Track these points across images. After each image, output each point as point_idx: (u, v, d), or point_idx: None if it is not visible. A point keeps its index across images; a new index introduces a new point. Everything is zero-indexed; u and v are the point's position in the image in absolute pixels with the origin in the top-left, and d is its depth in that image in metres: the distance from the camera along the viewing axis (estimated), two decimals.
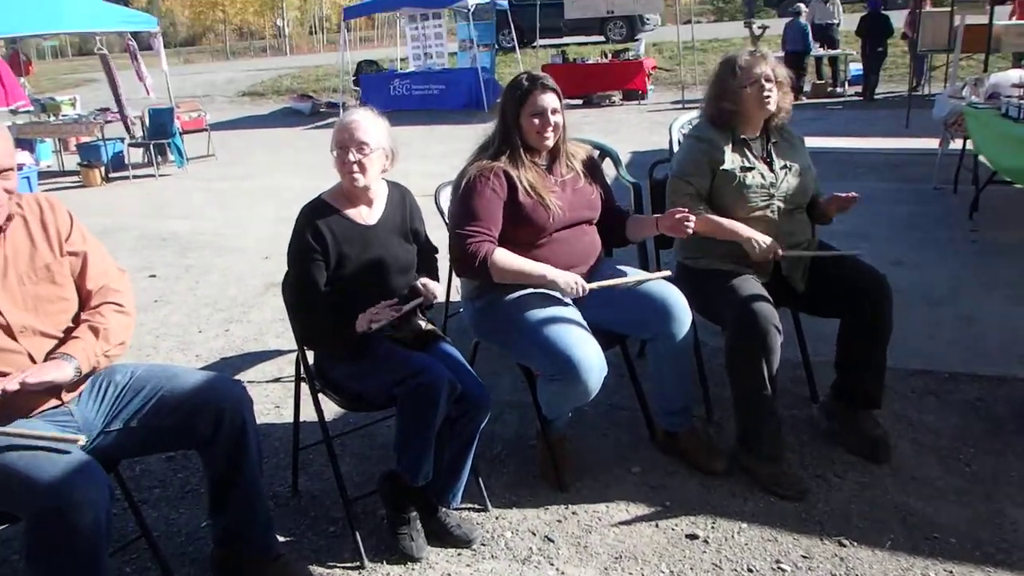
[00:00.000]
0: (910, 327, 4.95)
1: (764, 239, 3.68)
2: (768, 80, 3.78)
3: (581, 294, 3.44)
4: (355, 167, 3.30)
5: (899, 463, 3.80)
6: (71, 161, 15.21)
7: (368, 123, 3.35)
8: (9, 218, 2.76)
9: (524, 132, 3.65)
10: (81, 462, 2.53)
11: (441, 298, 3.52)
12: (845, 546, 3.28)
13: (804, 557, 3.24)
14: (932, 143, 9.89)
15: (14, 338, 2.69)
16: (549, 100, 3.62)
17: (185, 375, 3.02)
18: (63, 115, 15.15)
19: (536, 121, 3.61)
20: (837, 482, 3.69)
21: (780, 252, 3.71)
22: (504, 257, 3.47)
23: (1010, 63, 15.52)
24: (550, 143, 3.68)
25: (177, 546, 3.55)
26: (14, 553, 3.56)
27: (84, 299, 2.94)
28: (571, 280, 3.44)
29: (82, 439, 2.61)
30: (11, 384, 2.49)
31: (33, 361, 2.71)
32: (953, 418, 4.18)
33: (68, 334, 2.83)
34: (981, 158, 8.05)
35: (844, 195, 3.82)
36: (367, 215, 3.46)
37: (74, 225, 2.96)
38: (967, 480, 3.66)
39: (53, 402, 2.78)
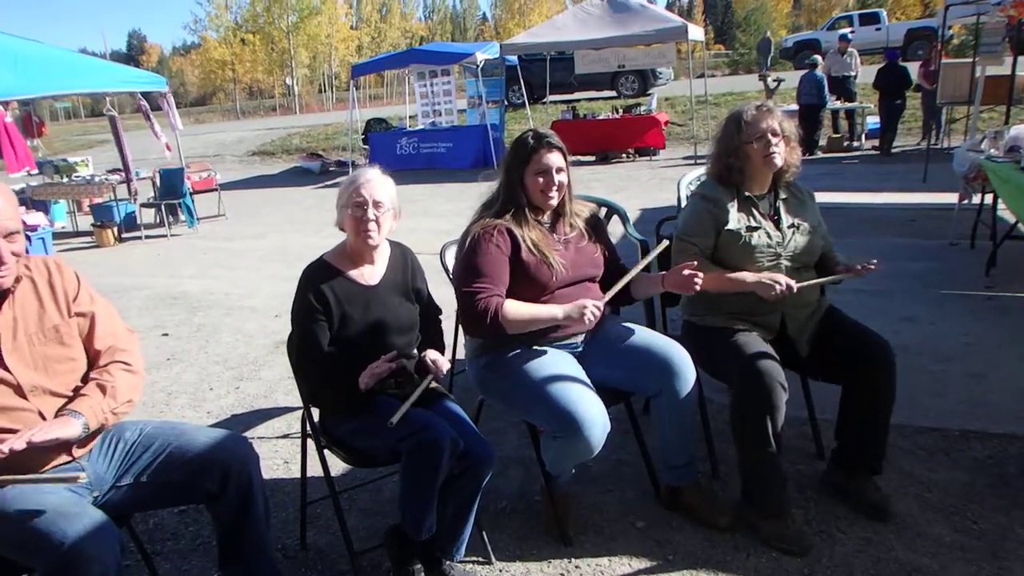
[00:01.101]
0: (920, 384, 4.94)
1: (775, 277, 3.64)
2: (775, 135, 3.77)
3: (597, 316, 3.39)
4: (372, 225, 3.37)
5: (905, 520, 3.78)
6: (84, 222, 15.42)
7: (381, 181, 3.44)
8: (17, 280, 2.83)
9: (528, 191, 3.69)
10: (92, 517, 2.61)
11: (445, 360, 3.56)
12: None
13: None
14: (949, 197, 9.76)
15: (24, 397, 2.76)
16: (554, 159, 3.66)
17: (193, 432, 3.09)
18: (76, 176, 15.33)
19: (541, 180, 3.65)
20: (841, 537, 3.68)
21: (795, 286, 3.63)
22: (513, 307, 3.50)
23: None
24: (554, 202, 3.72)
25: None
26: None
27: (92, 359, 3.01)
28: (582, 307, 3.39)
29: (83, 476, 2.66)
30: (17, 444, 2.55)
31: (43, 419, 2.77)
32: (961, 476, 4.15)
33: (77, 393, 2.89)
34: (1000, 212, 7.91)
35: (861, 267, 3.76)
36: (369, 275, 3.52)
37: (81, 286, 3.04)
38: (973, 537, 3.64)
39: (64, 457, 2.85)
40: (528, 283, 3.61)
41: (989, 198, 8.07)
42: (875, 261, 3.76)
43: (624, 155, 20.04)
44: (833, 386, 3.96)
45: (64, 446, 2.81)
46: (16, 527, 2.57)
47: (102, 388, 2.90)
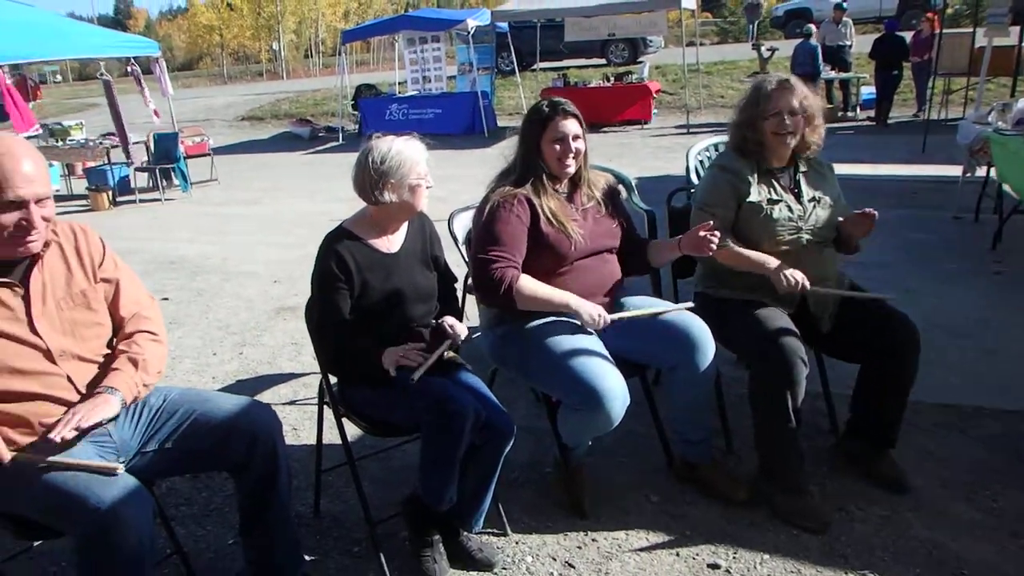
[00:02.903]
0: (932, 360, 4.84)
1: (794, 274, 3.63)
2: (792, 114, 3.72)
3: (603, 326, 3.47)
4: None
5: (923, 497, 3.77)
6: (78, 185, 15.40)
7: (423, 149, 3.49)
8: (46, 245, 2.82)
9: (545, 159, 3.66)
10: (126, 483, 2.63)
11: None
12: None
13: None
14: (950, 170, 9.72)
15: (54, 362, 2.75)
16: (571, 126, 3.64)
17: (217, 399, 3.09)
18: (70, 140, 15.28)
19: (557, 147, 3.63)
20: (860, 515, 3.67)
21: (808, 286, 3.64)
22: (529, 284, 3.49)
23: None
24: (571, 170, 3.69)
25: (206, 563, 3.61)
26: (52, 565, 3.64)
27: (117, 325, 3.01)
28: (594, 312, 3.45)
29: (120, 468, 2.68)
30: (67, 432, 2.57)
31: (72, 383, 2.77)
32: (977, 453, 4.14)
33: (105, 359, 2.90)
34: (1006, 187, 7.85)
35: (859, 211, 3.72)
36: (390, 243, 3.49)
37: (106, 252, 3.04)
38: (993, 516, 3.63)
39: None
40: (547, 253, 3.59)
41: (995, 171, 8.00)
42: (869, 209, 3.73)
43: (615, 124, 19.93)
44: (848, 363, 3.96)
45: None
46: (50, 492, 2.58)
47: (133, 361, 2.89)
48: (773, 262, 3.69)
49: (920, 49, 16.73)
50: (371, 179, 3.34)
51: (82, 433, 2.65)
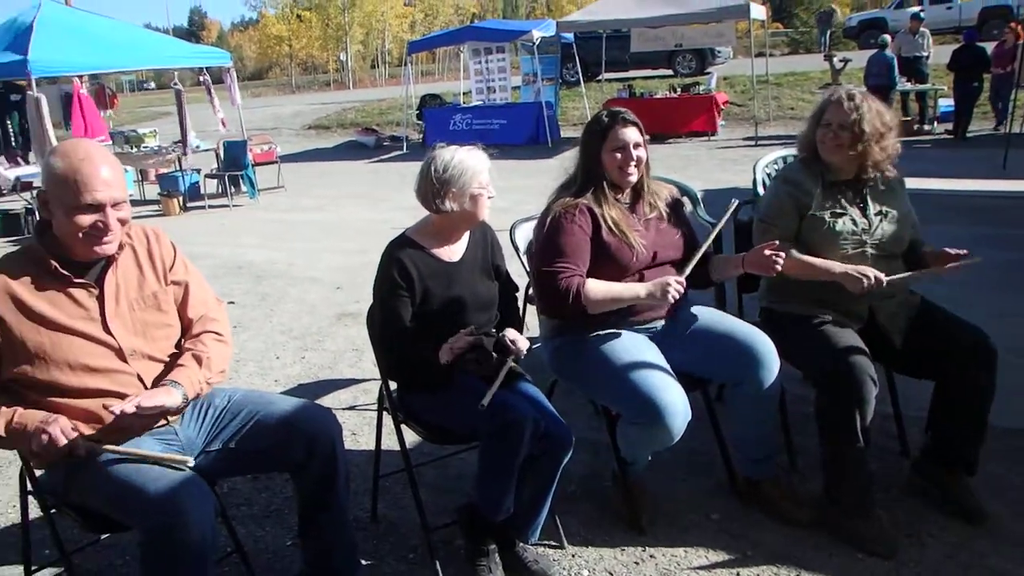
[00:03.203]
0: (1013, 384, 4.58)
1: (865, 270, 3.52)
2: (843, 128, 3.63)
3: (680, 292, 3.34)
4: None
5: (996, 525, 3.62)
6: (151, 191, 15.79)
7: (486, 159, 3.49)
8: (121, 247, 2.92)
9: (607, 168, 3.63)
10: (190, 480, 2.72)
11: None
12: None
13: None
14: None
15: (125, 361, 2.87)
16: (630, 134, 3.60)
17: (280, 402, 3.16)
18: (144, 147, 15.64)
19: (618, 156, 3.59)
20: (930, 541, 3.54)
21: (884, 280, 3.51)
22: (595, 286, 3.45)
23: None
24: (633, 179, 3.65)
25: (264, 563, 3.66)
26: (119, 558, 3.73)
27: (186, 327, 3.12)
28: (664, 285, 3.33)
29: (191, 460, 2.78)
30: (128, 407, 2.62)
31: (141, 382, 2.88)
32: None
33: (172, 359, 3.00)
34: None
35: (954, 251, 3.62)
36: (452, 252, 3.50)
37: (177, 255, 3.15)
38: None
39: (160, 422, 2.94)
40: (609, 264, 3.55)
41: None
42: (965, 251, 3.62)
43: (681, 135, 19.71)
44: (919, 380, 3.83)
45: (162, 412, 2.87)
46: (119, 486, 2.67)
47: (198, 359, 2.98)
48: (839, 266, 3.60)
49: (1002, 60, 16.08)
50: (433, 188, 3.35)
51: (143, 416, 2.72)
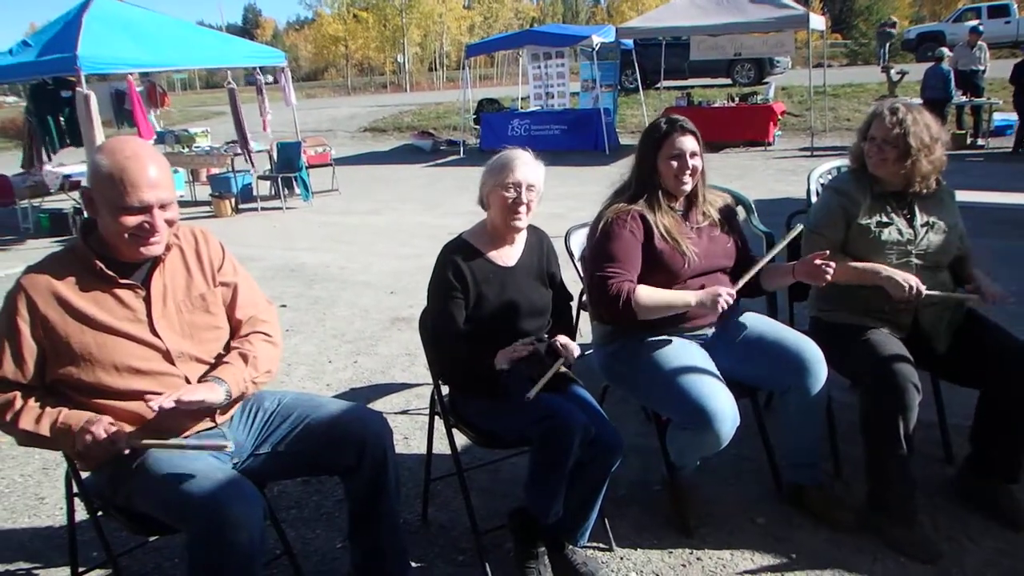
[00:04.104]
0: None
1: (907, 276, 3.58)
2: (887, 143, 3.67)
3: (731, 303, 3.35)
4: (523, 208, 3.40)
5: None
6: (201, 192, 15.86)
7: (535, 164, 3.46)
8: (168, 248, 2.91)
9: (662, 176, 3.66)
10: (238, 482, 2.71)
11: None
12: None
13: None
14: None
15: (172, 363, 2.86)
16: (688, 143, 3.62)
17: (330, 405, 3.16)
18: (196, 147, 15.78)
19: (674, 164, 3.61)
20: (972, 547, 3.57)
21: (924, 291, 3.56)
22: (646, 292, 3.48)
23: None
24: (688, 187, 3.67)
25: (314, 565, 3.69)
26: (167, 560, 3.76)
27: (235, 328, 3.10)
28: (717, 295, 3.34)
29: (230, 445, 2.75)
30: (167, 401, 2.61)
31: (188, 384, 2.85)
32: None
33: (220, 360, 2.99)
34: None
35: (992, 292, 3.68)
36: (507, 257, 3.54)
37: (226, 256, 3.13)
38: None
39: (207, 423, 2.94)
40: (660, 271, 3.59)
41: None
42: (1012, 298, 3.67)
43: (737, 145, 19.68)
44: (964, 389, 3.87)
45: (207, 412, 2.89)
46: (166, 488, 2.65)
47: (244, 357, 2.97)
48: (885, 269, 3.65)
49: None
50: (482, 183, 3.46)
51: (185, 413, 2.73)
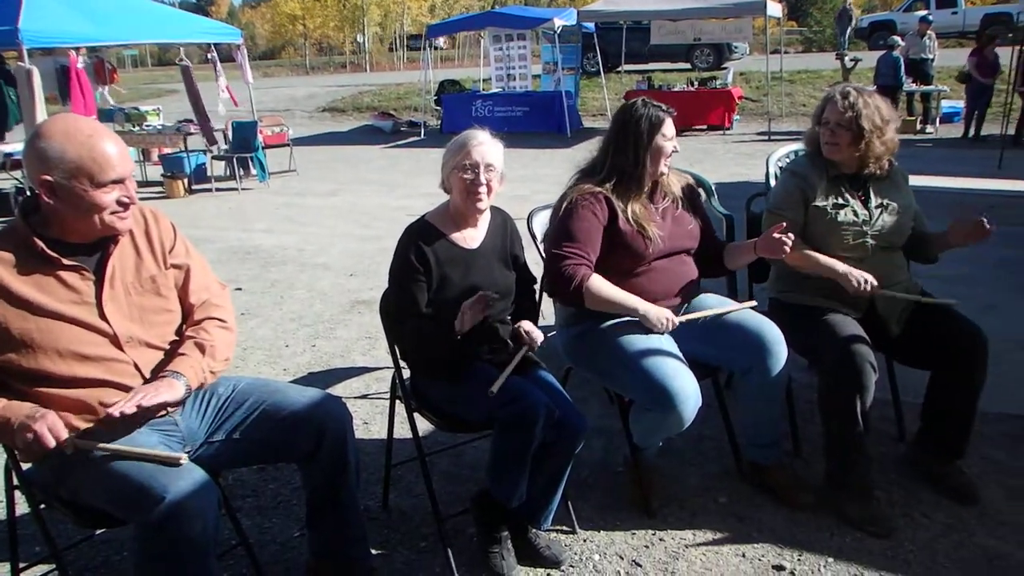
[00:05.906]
0: (1003, 372, 4.77)
1: (862, 274, 3.65)
2: (840, 126, 3.72)
3: (671, 328, 3.48)
4: (482, 189, 3.35)
5: (988, 506, 3.76)
6: (153, 172, 15.58)
7: (493, 144, 3.41)
8: None
9: (651, 162, 3.65)
10: (191, 472, 2.60)
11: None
12: None
13: None
14: None
15: (120, 348, 2.73)
16: (671, 128, 3.66)
17: (287, 390, 3.08)
18: (147, 125, 15.47)
19: (664, 148, 3.64)
20: (924, 522, 3.67)
21: (876, 287, 3.66)
22: (599, 284, 3.49)
23: None
24: (666, 171, 3.71)
25: (272, 554, 3.64)
26: (116, 554, 3.66)
27: (187, 312, 3.00)
28: (662, 316, 3.47)
29: (184, 458, 2.64)
30: (128, 407, 2.51)
31: (138, 370, 2.76)
32: None
33: (172, 346, 2.88)
34: None
35: (976, 220, 3.72)
36: (470, 239, 3.50)
37: (177, 237, 3.02)
38: None
39: (160, 412, 2.81)
40: (624, 253, 3.60)
41: None
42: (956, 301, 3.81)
43: (696, 129, 19.88)
44: (917, 369, 3.96)
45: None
46: (115, 479, 2.57)
47: (201, 347, 2.87)
48: (842, 266, 3.72)
49: (982, 69, 16.61)
50: (443, 164, 3.43)
51: (143, 413, 2.59)
